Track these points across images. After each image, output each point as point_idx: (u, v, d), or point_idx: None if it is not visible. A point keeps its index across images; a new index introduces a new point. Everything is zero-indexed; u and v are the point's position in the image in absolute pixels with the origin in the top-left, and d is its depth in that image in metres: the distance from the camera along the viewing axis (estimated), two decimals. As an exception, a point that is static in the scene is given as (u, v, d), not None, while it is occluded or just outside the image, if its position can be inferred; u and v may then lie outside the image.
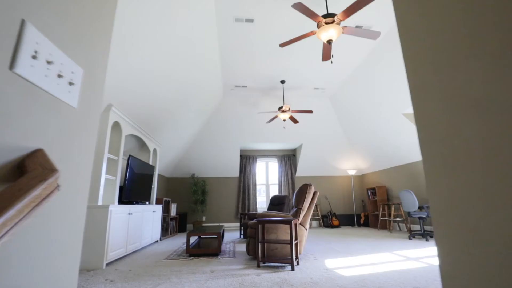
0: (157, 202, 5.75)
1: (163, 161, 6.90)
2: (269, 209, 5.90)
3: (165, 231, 6.03)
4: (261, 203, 8.67)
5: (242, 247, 4.52)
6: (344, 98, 6.61)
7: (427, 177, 0.63)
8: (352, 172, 8.31)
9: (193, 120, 6.46)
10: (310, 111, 5.71)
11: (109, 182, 3.66)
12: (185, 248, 4.51)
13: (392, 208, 6.35)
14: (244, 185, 8.41)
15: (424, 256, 3.57)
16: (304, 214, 3.61)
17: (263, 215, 3.59)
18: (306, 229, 3.60)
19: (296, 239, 3.26)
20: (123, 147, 4.60)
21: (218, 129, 7.40)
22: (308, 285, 2.45)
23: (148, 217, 4.67)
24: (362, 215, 8.13)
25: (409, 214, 5.22)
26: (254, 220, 3.74)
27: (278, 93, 6.76)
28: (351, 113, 6.86)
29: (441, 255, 0.57)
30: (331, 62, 3.05)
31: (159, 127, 5.30)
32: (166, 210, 6.18)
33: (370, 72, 5.32)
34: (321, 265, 3.18)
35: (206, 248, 3.92)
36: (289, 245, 3.31)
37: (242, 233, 6.10)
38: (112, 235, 3.31)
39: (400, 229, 6.74)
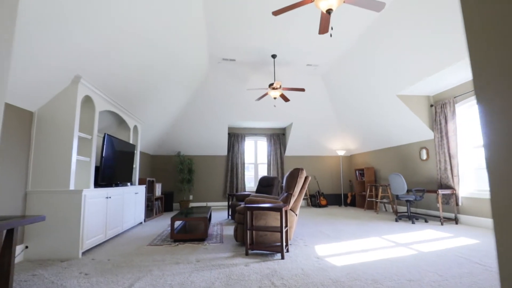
0: (140, 183, 5.48)
1: (145, 138, 6.53)
2: (257, 190, 5.75)
3: (150, 212, 5.82)
4: (250, 182, 8.56)
5: (230, 230, 4.39)
6: (337, 76, 6.32)
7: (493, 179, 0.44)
8: (341, 153, 8.23)
9: (177, 94, 6.05)
10: (302, 89, 5.41)
11: (83, 164, 3.33)
12: (170, 230, 4.34)
13: (380, 190, 6.35)
14: (232, 164, 8.21)
15: (413, 241, 3.54)
16: (295, 200, 3.45)
17: (251, 200, 3.40)
18: (296, 214, 3.46)
19: (286, 226, 3.11)
20: (98, 125, 4.22)
21: (205, 105, 7.01)
22: (300, 277, 2.32)
23: (129, 199, 4.42)
24: (349, 194, 8.18)
25: (397, 197, 5.20)
26: (242, 205, 3.56)
27: (268, 69, 6.38)
28: (343, 92, 6.61)
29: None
30: (330, 36, 2.73)
31: (139, 102, 4.89)
32: (150, 190, 5.94)
33: (368, 49, 5.01)
34: (312, 252, 3.08)
35: (192, 233, 3.75)
36: (279, 232, 3.16)
37: (230, 213, 5.99)
38: (88, 222, 3.06)
39: (386, 210, 6.81)
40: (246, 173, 8.45)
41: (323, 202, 7.89)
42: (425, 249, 3.14)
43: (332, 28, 2.40)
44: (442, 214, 4.72)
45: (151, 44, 3.79)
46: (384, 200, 6.58)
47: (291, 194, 3.38)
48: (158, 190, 6.41)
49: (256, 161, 8.68)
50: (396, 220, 5.12)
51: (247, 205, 3.12)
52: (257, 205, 3.07)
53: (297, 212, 3.49)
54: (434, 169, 5.38)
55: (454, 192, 4.73)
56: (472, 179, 4.75)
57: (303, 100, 7.15)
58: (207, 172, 8.15)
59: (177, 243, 3.54)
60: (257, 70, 6.43)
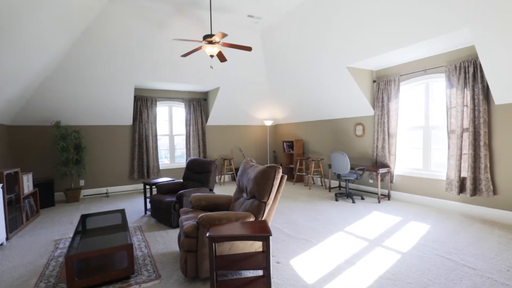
0: (-9, 181, 3.32)
1: (-6, 103, 4.02)
2: (186, 177, 4.49)
3: (17, 219, 3.75)
4: (163, 159, 7.02)
5: (159, 244, 3.13)
6: (280, 34, 5.33)
7: None
8: (268, 123, 7.64)
9: (50, 34, 3.78)
10: (249, 48, 4.22)
11: None
12: (61, 253, 2.71)
13: (313, 164, 6.17)
14: (140, 136, 6.41)
15: (379, 234, 3.31)
16: (269, 209, 2.54)
17: (210, 218, 2.27)
18: (268, 227, 2.58)
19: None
20: None
21: (100, 54, 4.82)
22: None
23: (-31, 221, 2.48)
24: (274, 166, 7.87)
25: (339, 176, 5.04)
26: (190, 224, 2.39)
27: (200, 14, 4.75)
28: (283, 55, 5.74)
29: None
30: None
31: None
32: (12, 188, 3.78)
33: (325, 7, 4.18)
34: (295, 278, 2.32)
35: (107, 269, 2.36)
36: (255, 256, 2.21)
37: (147, 208, 4.58)
38: None
39: (314, 183, 6.82)
40: (159, 147, 6.84)
41: (250, 176, 7.32)
42: (402, 248, 2.89)
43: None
44: (380, 191, 4.83)
45: None
46: (316, 175, 6.51)
47: (265, 202, 2.44)
48: (27, 183, 4.23)
49: (171, 132, 7.10)
50: (336, 199, 5.01)
51: (211, 235, 2.00)
52: (228, 234, 2.00)
53: (269, 223, 2.62)
54: (369, 146, 5.43)
55: (390, 170, 4.86)
56: (405, 158, 4.96)
57: (234, 59, 5.92)
58: (105, 148, 6.11)
59: (82, 297, 2.13)
60: (182, 13, 4.70)
